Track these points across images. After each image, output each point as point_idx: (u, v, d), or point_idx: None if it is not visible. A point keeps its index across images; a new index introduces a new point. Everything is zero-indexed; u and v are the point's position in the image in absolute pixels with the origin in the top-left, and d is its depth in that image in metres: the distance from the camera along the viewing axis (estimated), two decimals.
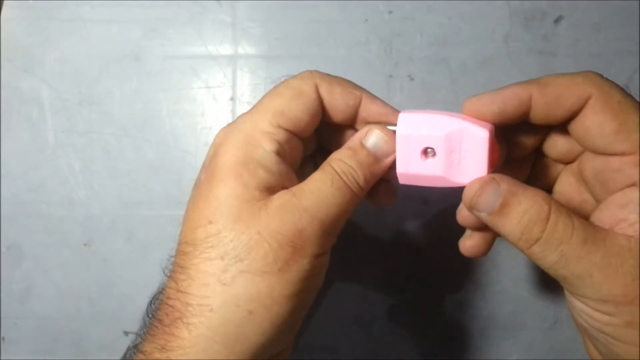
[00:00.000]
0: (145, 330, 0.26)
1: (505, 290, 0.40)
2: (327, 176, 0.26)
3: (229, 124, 0.27)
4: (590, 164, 0.27)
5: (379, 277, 0.41)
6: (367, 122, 0.28)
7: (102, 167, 0.40)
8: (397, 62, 0.40)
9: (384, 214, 0.40)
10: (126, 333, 0.41)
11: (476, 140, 0.25)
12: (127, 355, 0.26)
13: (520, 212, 0.23)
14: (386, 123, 0.28)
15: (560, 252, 0.23)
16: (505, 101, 0.25)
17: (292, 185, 0.26)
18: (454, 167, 0.26)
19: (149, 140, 0.40)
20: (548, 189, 0.31)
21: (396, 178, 0.27)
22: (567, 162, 0.29)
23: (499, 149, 0.27)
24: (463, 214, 0.28)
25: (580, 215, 0.24)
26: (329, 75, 0.28)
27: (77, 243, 0.41)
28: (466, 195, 0.25)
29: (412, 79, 0.40)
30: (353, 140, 0.27)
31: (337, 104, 0.27)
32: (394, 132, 0.27)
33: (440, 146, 0.26)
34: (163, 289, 0.26)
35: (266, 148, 0.26)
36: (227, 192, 0.25)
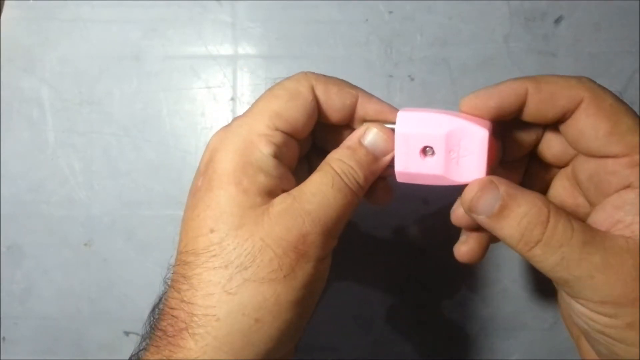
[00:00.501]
0: (148, 341, 0.25)
1: (505, 290, 0.40)
2: (328, 177, 0.26)
3: (224, 128, 0.27)
4: (584, 166, 0.27)
5: (379, 277, 0.41)
6: (365, 121, 0.28)
7: (102, 167, 0.40)
8: (397, 62, 0.40)
9: (384, 214, 0.40)
10: (126, 333, 0.41)
11: (476, 139, 0.25)
12: None
13: (520, 214, 0.23)
14: (384, 121, 0.28)
15: (560, 254, 0.23)
16: (502, 96, 0.25)
17: (290, 186, 0.26)
18: (452, 165, 0.26)
19: (149, 140, 0.40)
20: (542, 193, 0.31)
21: (393, 175, 0.27)
22: (561, 166, 0.29)
23: (498, 148, 0.27)
24: (457, 214, 0.28)
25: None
26: (324, 75, 0.28)
27: (77, 243, 0.41)
28: (464, 198, 0.25)
29: (412, 79, 0.40)
30: (351, 139, 0.27)
31: (334, 103, 0.27)
32: (392, 130, 0.27)
33: (439, 145, 0.26)
34: (165, 299, 0.26)
35: (264, 152, 0.25)
36: (227, 199, 0.25)
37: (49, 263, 0.41)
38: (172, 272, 0.26)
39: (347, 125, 0.29)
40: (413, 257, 0.40)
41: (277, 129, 0.26)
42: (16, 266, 0.41)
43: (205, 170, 0.26)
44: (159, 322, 0.25)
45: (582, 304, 0.24)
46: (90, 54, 0.40)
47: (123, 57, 0.40)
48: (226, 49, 0.40)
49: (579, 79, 0.25)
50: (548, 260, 0.23)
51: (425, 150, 0.26)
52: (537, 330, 0.40)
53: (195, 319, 0.24)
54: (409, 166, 0.26)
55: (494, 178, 0.25)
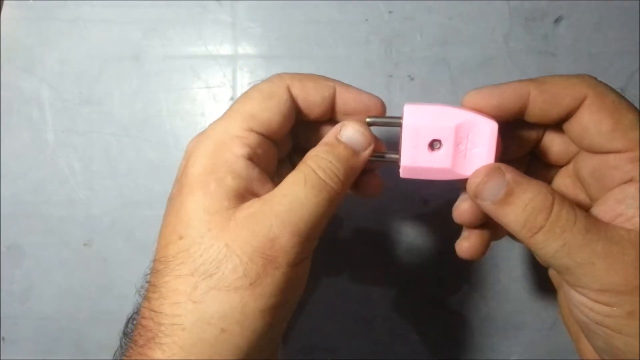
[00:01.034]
0: (120, 351, 0.25)
1: (505, 290, 0.40)
2: (300, 176, 0.25)
3: (200, 133, 0.26)
4: (587, 163, 0.27)
5: (379, 277, 0.41)
6: (346, 114, 0.28)
7: (102, 167, 0.40)
8: (397, 62, 0.40)
9: (384, 214, 0.40)
10: None
11: (485, 131, 0.25)
12: None
13: (525, 200, 0.24)
14: (364, 111, 0.27)
15: (563, 239, 0.23)
16: (504, 95, 0.26)
17: (266, 191, 0.25)
18: (460, 159, 0.26)
19: (149, 140, 0.40)
20: None
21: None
22: (562, 164, 0.29)
23: (500, 145, 0.27)
24: (460, 210, 0.28)
25: None
26: (299, 73, 0.27)
27: (77, 243, 0.41)
28: (471, 183, 0.25)
29: (412, 79, 0.40)
30: (328, 136, 0.27)
31: (312, 99, 0.27)
32: (368, 124, 0.27)
33: (448, 138, 0.26)
34: (138, 308, 0.25)
35: (236, 153, 0.25)
36: (195, 204, 0.24)
37: (49, 263, 0.41)
38: (145, 281, 0.25)
39: (330, 120, 0.29)
40: (413, 257, 0.40)
41: (251, 130, 0.25)
42: (16, 266, 0.41)
43: (179, 177, 0.26)
44: (132, 333, 0.25)
45: (582, 293, 0.24)
46: (90, 54, 0.40)
47: (123, 57, 0.40)
48: (226, 49, 0.40)
49: (581, 77, 0.25)
50: (550, 247, 0.23)
51: (433, 144, 0.26)
52: (537, 330, 0.40)
53: (163, 328, 0.23)
54: (416, 160, 0.26)
55: (501, 165, 0.25)
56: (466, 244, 0.29)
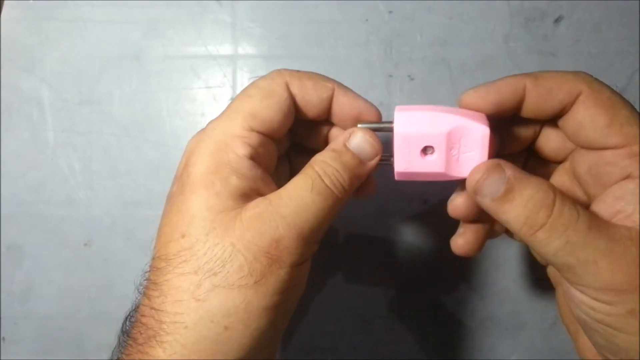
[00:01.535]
0: (119, 349, 0.25)
1: (505, 290, 0.40)
2: (308, 181, 0.25)
3: (200, 132, 0.26)
4: (583, 159, 0.27)
5: (379, 276, 0.41)
6: (339, 118, 0.28)
7: (102, 167, 0.40)
8: (397, 62, 0.40)
9: (384, 214, 0.40)
10: None
11: (477, 136, 0.25)
12: None
13: (526, 197, 0.23)
14: (357, 118, 0.27)
15: (565, 237, 0.23)
16: (501, 92, 0.26)
17: (269, 190, 0.25)
18: (453, 162, 0.26)
19: (149, 140, 0.40)
20: None
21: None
22: (559, 161, 0.29)
23: (495, 142, 0.27)
24: (455, 204, 0.28)
25: None
26: (298, 71, 0.27)
27: (77, 243, 0.41)
28: (470, 180, 0.25)
29: (412, 79, 0.40)
30: (336, 142, 0.27)
31: (310, 98, 0.27)
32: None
33: (441, 144, 0.26)
34: (137, 306, 0.25)
35: (238, 153, 0.25)
36: (199, 203, 0.24)
37: (49, 263, 0.41)
38: (145, 278, 0.25)
39: (326, 120, 0.28)
40: (413, 257, 0.40)
41: (252, 130, 0.25)
42: (16, 266, 0.41)
43: (180, 175, 0.26)
44: (131, 330, 0.25)
45: (582, 292, 0.24)
46: (90, 54, 0.40)
47: (123, 57, 0.40)
48: (226, 49, 0.40)
49: (576, 73, 0.25)
50: (552, 245, 0.23)
51: (426, 149, 0.26)
52: (537, 330, 0.40)
53: (164, 326, 0.23)
54: (410, 166, 0.26)
55: (501, 161, 0.25)
56: (461, 241, 0.29)
